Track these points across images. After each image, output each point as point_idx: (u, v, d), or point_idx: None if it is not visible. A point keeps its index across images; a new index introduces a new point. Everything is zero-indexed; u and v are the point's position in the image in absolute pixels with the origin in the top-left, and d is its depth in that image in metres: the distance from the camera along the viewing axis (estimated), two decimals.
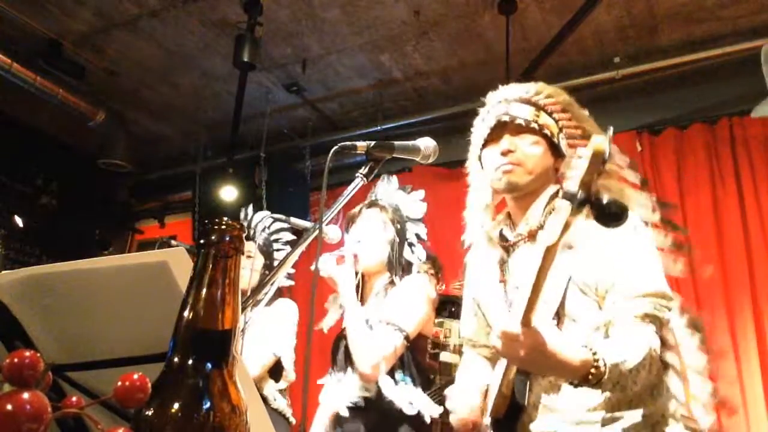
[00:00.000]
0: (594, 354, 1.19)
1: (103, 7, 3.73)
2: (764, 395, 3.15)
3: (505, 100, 1.54)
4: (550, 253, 1.10)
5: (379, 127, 4.42)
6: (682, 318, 1.42)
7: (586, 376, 1.18)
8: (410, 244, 2.17)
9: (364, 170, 1.31)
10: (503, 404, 1.37)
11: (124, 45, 4.09)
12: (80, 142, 5.10)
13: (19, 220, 5.16)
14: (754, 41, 3.45)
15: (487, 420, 1.45)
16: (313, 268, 1.35)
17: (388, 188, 2.30)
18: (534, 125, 1.48)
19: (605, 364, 1.18)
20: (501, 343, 1.18)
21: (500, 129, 1.51)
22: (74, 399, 0.55)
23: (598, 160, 1.05)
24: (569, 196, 1.06)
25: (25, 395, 0.44)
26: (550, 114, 1.51)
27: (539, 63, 3.56)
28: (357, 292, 2.12)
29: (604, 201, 1.04)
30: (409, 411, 1.91)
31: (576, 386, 1.21)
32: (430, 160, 1.42)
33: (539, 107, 1.51)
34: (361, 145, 1.31)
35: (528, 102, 1.51)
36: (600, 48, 3.80)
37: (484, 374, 1.59)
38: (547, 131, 1.49)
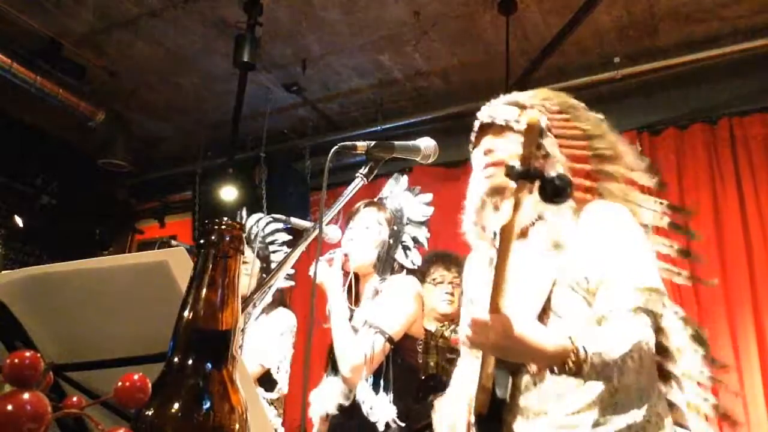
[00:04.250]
0: (573, 341, 1.16)
1: (103, 7, 3.73)
2: (764, 396, 3.15)
3: (494, 104, 1.54)
4: (506, 232, 1.11)
5: (379, 127, 4.42)
6: (686, 329, 1.40)
7: (564, 363, 1.15)
8: (405, 247, 2.14)
9: (364, 170, 1.31)
10: (485, 399, 1.34)
11: (124, 45, 4.09)
12: (80, 142, 5.10)
13: (19, 220, 5.16)
14: (754, 41, 3.45)
15: (472, 417, 1.43)
16: (312, 269, 1.34)
17: (395, 188, 2.28)
18: (514, 124, 1.46)
19: (586, 352, 1.15)
20: (471, 332, 1.17)
21: (484, 131, 1.52)
22: (74, 399, 0.55)
23: (534, 133, 1.10)
24: (509, 172, 1.10)
25: (26, 395, 0.44)
26: None
27: (539, 63, 3.56)
28: (350, 292, 2.10)
29: (548, 176, 1.07)
30: (372, 418, 1.87)
31: (556, 374, 1.18)
32: (430, 160, 1.43)
33: (524, 107, 1.49)
34: (361, 145, 1.31)
35: (515, 104, 1.51)
36: (600, 48, 3.80)
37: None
38: None
